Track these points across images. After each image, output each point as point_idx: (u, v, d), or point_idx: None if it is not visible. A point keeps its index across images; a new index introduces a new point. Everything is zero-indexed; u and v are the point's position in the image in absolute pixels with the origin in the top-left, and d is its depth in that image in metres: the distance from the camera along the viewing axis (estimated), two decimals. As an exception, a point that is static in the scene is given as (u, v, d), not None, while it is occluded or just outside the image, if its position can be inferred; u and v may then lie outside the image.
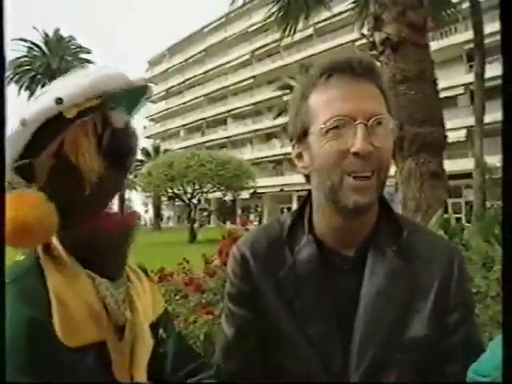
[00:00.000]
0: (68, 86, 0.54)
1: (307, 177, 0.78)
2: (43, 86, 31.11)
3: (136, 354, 0.58)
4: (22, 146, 0.52)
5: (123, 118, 0.58)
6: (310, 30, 26.52)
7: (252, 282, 0.78)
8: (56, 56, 30.97)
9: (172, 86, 42.27)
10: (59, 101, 0.51)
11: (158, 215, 29.64)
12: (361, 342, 0.71)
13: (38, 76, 30.17)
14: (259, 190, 20.63)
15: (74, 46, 32.71)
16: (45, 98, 0.52)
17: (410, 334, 0.71)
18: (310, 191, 0.80)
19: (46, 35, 32.21)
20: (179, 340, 0.73)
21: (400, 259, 0.74)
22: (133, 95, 0.60)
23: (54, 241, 0.55)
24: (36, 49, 31.88)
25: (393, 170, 4.45)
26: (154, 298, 0.67)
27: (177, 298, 2.34)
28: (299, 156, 0.77)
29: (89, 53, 32.81)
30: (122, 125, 0.58)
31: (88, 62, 31.99)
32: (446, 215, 3.77)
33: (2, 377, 0.41)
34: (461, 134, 19.77)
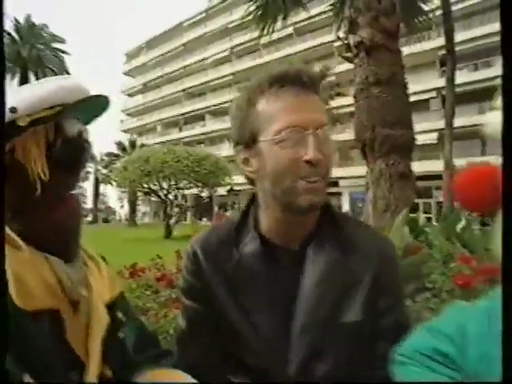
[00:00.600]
0: (23, 96, 0.58)
1: (251, 179, 0.83)
2: (13, 74, 29.97)
3: (91, 328, 0.63)
4: None
5: (76, 128, 0.63)
6: (290, 29, 26.69)
7: (202, 277, 0.83)
8: (27, 44, 29.89)
9: (150, 80, 41.61)
10: (13, 110, 0.56)
11: (133, 211, 29.20)
12: (301, 328, 0.78)
13: (9, 64, 29.04)
14: (236, 187, 20.67)
15: (46, 35, 31.51)
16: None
17: (346, 320, 0.78)
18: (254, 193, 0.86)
19: (17, 22, 31.01)
20: (140, 326, 0.78)
21: (339, 252, 0.81)
22: (90, 105, 0.65)
23: (7, 229, 0.59)
24: (6, 36, 30.65)
25: (364, 170, 4.59)
26: (111, 282, 0.72)
27: (148, 293, 2.35)
28: (246, 161, 0.82)
29: (62, 42, 31.69)
30: (75, 134, 0.62)
31: (61, 51, 31.01)
32: (414, 215, 3.94)
33: (3, 377, 0.45)
34: (433, 137, 20.40)
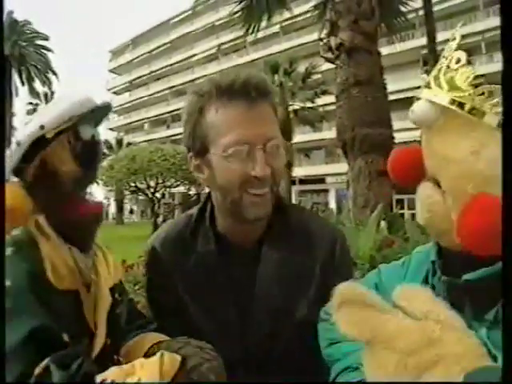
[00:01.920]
0: (48, 114, 0.74)
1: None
2: (-3, 72, 29.18)
3: (98, 306, 0.77)
4: (17, 160, 0.73)
5: (90, 132, 0.78)
6: (277, 28, 26.74)
7: (160, 271, 0.88)
8: (9, 41, 29.28)
9: (136, 78, 41.19)
10: (42, 127, 0.71)
11: (120, 209, 28.99)
12: (256, 322, 0.82)
13: (-9, 62, 28.28)
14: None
15: (29, 31, 30.80)
16: (32, 125, 0.73)
17: (298, 314, 0.83)
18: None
19: (-1, 19, 30.25)
20: (131, 304, 0.93)
21: (289, 249, 0.85)
22: (97, 112, 0.80)
23: (42, 221, 0.74)
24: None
25: (345, 168, 4.74)
26: (114, 270, 0.86)
27: (136, 288, 2.45)
28: (198, 168, 0.83)
29: (45, 39, 31.05)
30: (89, 137, 0.78)
31: (44, 48, 30.45)
32: (402, 211, 4.09)
33: (1, 377, 0.57)
34: (416, 134, 20.65)
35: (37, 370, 0.60)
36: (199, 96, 0.80)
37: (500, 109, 0.56)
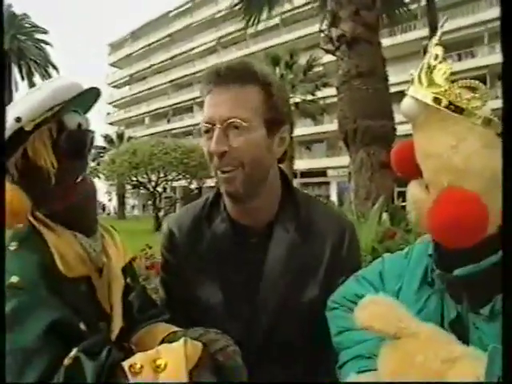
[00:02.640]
0: (25, 105, 0.69)
1: None
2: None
3: (112, 289, 0.78)
4: None
5: (75, 120, 0.74)
6: (277, 20, 26.51)
7: (178, 254, 0.92)
8: (7, 35, 29.07)
9: (136, 72, 40.99)
10: (18, 119, 0.67)
11: (122, 204, 29.04)
12: (263, 301, 0.86)
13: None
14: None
15: (27, 25, 30.57)
16: (8, 117, 0.68)
17: (304, 296, 0.86)
18: None
19: (-2, 12, 30.02)
20: (143, 292, 0.92)
21: (299, 233, 0.88)
22: (84, 98, 0.75)
23: (39, 214, 0.73)
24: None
25: (346, 161, 4.73)
26: (123, 251, 0.86)
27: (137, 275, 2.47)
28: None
29: (44, 33, 30.80)
30: (75, 126, 0.74)
31: (43, 42, 30.26)
32: (404, 203, 4.09)
33: (1, 378, 0.57)
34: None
35: (66, 361, 0.60)
36: (202, 83, 0.87)
37: (479, 103, 0.57)
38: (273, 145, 0.87)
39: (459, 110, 0.56)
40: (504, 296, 0.49)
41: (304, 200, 0.93)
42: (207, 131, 0.83)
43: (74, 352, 0.61)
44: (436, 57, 0.60)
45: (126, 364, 0.62)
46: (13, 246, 0.69)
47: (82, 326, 0.67)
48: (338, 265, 0.88)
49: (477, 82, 0.58)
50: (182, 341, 0.66)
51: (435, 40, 0.61)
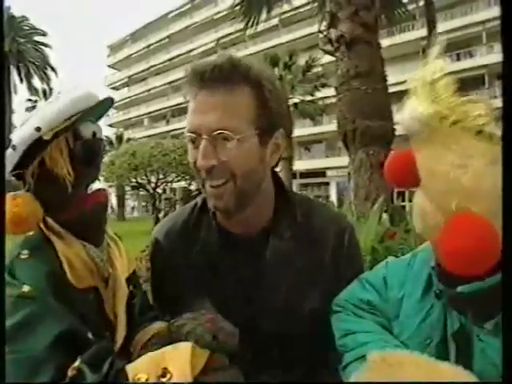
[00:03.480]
0: (44, 115, 0.70)
1: None
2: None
3: (117, 298, 0.78)
4: (14, 164, 0.70)
5: (90, 129, 0.75)
6: (276, 21, 26.53)
7: (163, 261, 0.87)
8: (6, 37, 29.01)
9: (135, 73, 40.99)
10: (38, 129, 0.68)
11: (121, 205, 29.02)
12: (264, 311, 0.80)
13: (-11, 59, 28.02)
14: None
15: (27, 27, 30.52)
16: (27, 126, 0.70)
17: (306, 303, 0.81)
18: None
19: (-3, 15, 29.94)
20: (143, 295, 0.93)
21: (296, 241, 0.82)
22: (99, 107, 0.77)
23: (51, 221, 0.73)
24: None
25: (346, 161, 4.72)
26: (128, 261, 0.86)
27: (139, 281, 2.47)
28: None
29: (43, 35, 30.79)
30: (90, 135, 0.75)
31: (43, 44, 30.23)
32: (394, 204, 4.10)
33: (1, 378, 0.57)
34: (417, 126, 20.56)
35: (70, 372, 0.59)
36: (186, 86, 0.79)
37: (485, 120, 0.54)
38: (266, 153, 0.78)
39: (466, 128, 0.54)
40: (503, 303, 0.48)
41: (300, 204, 0.88)
42: (193, 141, 0.75)
43: (77, 363, 0.60)
44: (440, 70, 0.57)
45: (130, 373, 0.61)
46: (24, 255, 0.70)
47: (90, 336, 0.67)
48: (339, 267, 0.85)
49: (482, 98, 0.56)
50: (188, 347, 0.64)
51: (436, 51, 0.58)
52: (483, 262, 0.52)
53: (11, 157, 0.70)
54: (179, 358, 0.62)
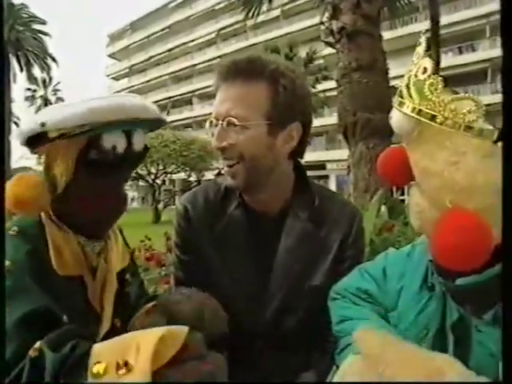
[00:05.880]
0: (53, 114, 0.70)
1: None
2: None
3: (105, 291, 0.78)
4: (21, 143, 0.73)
5: (111, 140, 0.72)
6: (277, 12, 26.30)
7: (192, 230, 0.94)
8: (5, 25, 28.62)
9: (135, 64, 40.73)
10: (42, 124, 0.68)
11: (121, 196, 28.92)
12: (274, 286, 0.89)
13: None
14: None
15: (26, 15, 30.19)
16: (36, 117, 0.70)
17: (312, 283, 0.89)
18: None
19: (-5, 3, 29.59)
20: (141, 282, 0.95)
21: (311, 223, 0.91)
22: (143, 123, 0.75)
23: (51, 212, 0.74)
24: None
25: (346, 154, 4.73)
26: (123, 255, 0.87)
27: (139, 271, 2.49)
28: None
29: (43, 23, 30.51)
30: (109, 146, 0.72)
31: (42, 33, 29.95)
32: (393, 197, 4.11)
33: (1, 378, 0.57)
34: (418, 120, 20.48)
35: (31, 352, 0.59)
36: (215, 77, 0.89)
37: (475, 116, 0.55)
38: (276, 142, 0.86)
39: (456, 126, 0.54)
40: (503, 300, 0.48)
41: (318, 190, 0.96)
42: (212, 127, 0.87)
43: (38, 343, 0.59)
44: (425, 70, 0.57)
45: (93, 357, 0.56)
46: (12, 232, 0.71)
47: (65, 319, 0.67)
48: (344, 252, 0.92)
49: (470, 95, 0.57)
50: (157, 335, 0.56)
51: (422, 50, 0.59)
52: (473, 258, 0.53)
53: (18, 135, 0.72)
54: (145, 349, 0.55)
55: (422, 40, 0.60)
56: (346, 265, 0.91)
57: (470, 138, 0.55)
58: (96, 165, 0.72)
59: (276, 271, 0.90)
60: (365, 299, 0.77)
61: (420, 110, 0.55)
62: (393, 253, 0.82)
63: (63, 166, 0.72)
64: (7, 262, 0.65)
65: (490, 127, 0.56)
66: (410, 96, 0.57)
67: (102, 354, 0.57)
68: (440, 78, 0.57)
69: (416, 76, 0.58)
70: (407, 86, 0.58)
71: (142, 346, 0.56)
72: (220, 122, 0.84)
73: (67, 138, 0.69)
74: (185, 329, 0.59)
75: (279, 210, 0.93)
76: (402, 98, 0.58)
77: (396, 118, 0.59)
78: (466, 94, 0.57)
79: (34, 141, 0.71)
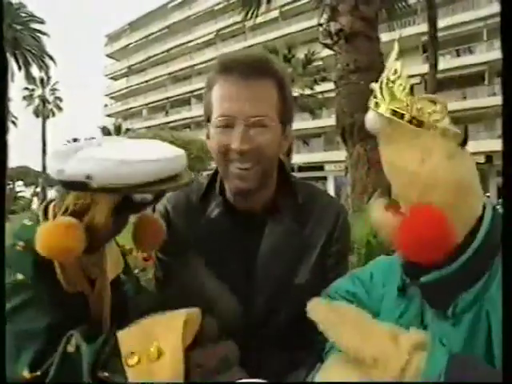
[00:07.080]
0: (102, 169, 0.65)
1: None
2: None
3: (104, 302, 0.80)
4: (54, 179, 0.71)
5: (140, 196, 0.71)
6: (276, 13, 26.35)
7: (172, 231, 0.92)
8: (3, 24, 28.46)
9: (134, 64, 40.65)
10: (88, 177, 0.65)
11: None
12: (258, 286, 0.87)
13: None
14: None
15: (24, 14, 30.06)
16: (84, 165, 0.65)
17: (296, 282, 0.88)
18: None
19: (-6, 1, 29.52)
20: (137, 281, 0.96)
21: (295, 222, 0.89)
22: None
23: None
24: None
25: (344, 155, 4.73)
26: (116, 263, 0.87)
27: (136, 271, 2.48)
28: (207, 137, 0.88)
29: (41, 23, 30.40)
30: (139, 200, 0.71)
31: (40, 32, 29.86)
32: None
33: (2, 377, 0.58)
34: (416, 122, 20.54)
35: (69, 348, 0.61)
36: (211, 71, 0.85)
37: (439, 116, 0.59)
38: (283, 143, 0.87)
39: (421, 124, 0.58)
40: (504, 300, 0.51)
41: (301, 187, 0.94)
42: (226, 125, 0.81)
43: (73, 340, 0.62)
44: (395, 72, 0.61)
45: (122, 347, 0.61)
46: (19, 247, 0.71)
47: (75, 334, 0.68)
48: (329, 248, 0.91)
49: (435, 96, 0.61)
50: (182, 318, 0.62)
51: (394, 54, 0.62)
52: (433, 253, 0.56)
53: (55, 171, 0.68)
54: (174, 333, 0.60)
55: (395, 46, 0.63)
56: (331, 261, 0.90)
57: (435, 138, 0.58)
58: (124, 214, 0.75)
59: (260, 270, 0.88)
60: (353, 302, 0.77)
61: (390, 110, 0.59)
62: (381, 259, 0.84)
63: (100, 216, 0.70)
64: (20, 276, 0.66)
65: (456, 130, 0.59)
66: (383, 96, 0.61)
67: (133, 344, 0.61)
68: (408, 79, 0.61)
69: (388, 78, 0.61)
70: (380, 88, 0.61)
71: (170, 330, 0.60)
72: (242, 123, 0.79)
73: (106, 192, 0.66)
74: (199, 311, 0.64)
75: (262, 208, 0.90)
76: (375, 98, 0.62)
77: (369, 117, 0.63)
78: (432, 96, 0.61)
79: (73, 185, 0.67)
